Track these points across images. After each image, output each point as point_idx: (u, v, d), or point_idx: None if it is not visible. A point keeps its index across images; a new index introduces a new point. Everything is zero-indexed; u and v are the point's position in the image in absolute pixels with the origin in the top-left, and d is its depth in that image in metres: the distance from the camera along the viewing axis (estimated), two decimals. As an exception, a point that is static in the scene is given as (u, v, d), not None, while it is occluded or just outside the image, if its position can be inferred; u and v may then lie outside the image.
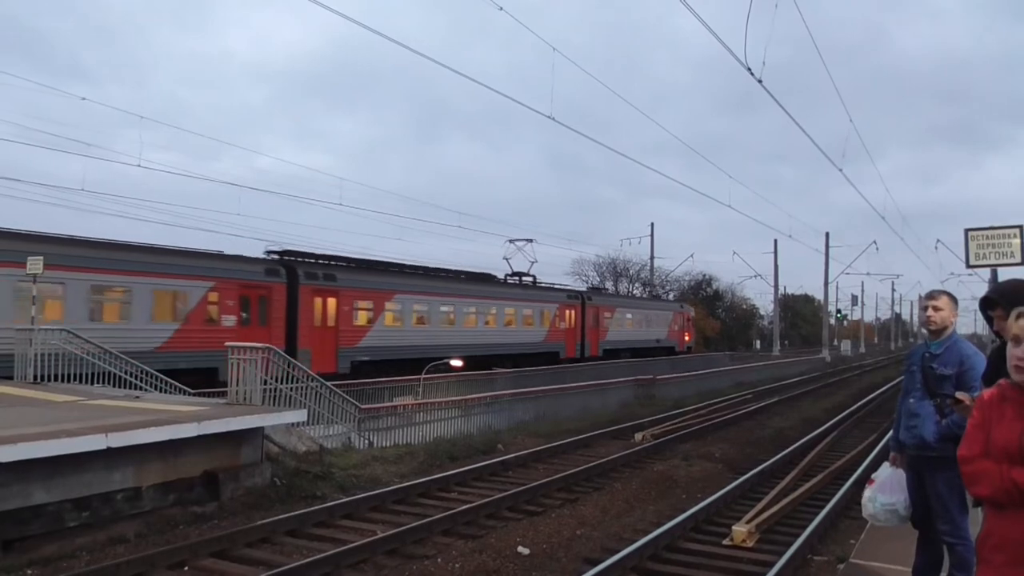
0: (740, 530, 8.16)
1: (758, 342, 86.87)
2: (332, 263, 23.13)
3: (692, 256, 58.43)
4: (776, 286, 58.36)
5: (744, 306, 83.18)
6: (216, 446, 9.06)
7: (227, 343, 11.17)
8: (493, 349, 28.28)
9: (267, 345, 11.25)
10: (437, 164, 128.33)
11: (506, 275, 33.74)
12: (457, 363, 20.60)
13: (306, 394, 12.46)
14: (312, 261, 22.38)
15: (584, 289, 39.96)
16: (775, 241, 57.00)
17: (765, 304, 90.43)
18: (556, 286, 36.57)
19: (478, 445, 13.94)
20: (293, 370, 12.32)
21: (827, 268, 57.31)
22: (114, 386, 12.45)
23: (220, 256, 19.64)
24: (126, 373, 12.73)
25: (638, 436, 15.78)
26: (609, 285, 63.87)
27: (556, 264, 71.35)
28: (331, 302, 21.74)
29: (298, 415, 10.65)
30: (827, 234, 57.52)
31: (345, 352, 21.96)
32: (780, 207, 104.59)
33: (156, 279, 17.50)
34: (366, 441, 13.59)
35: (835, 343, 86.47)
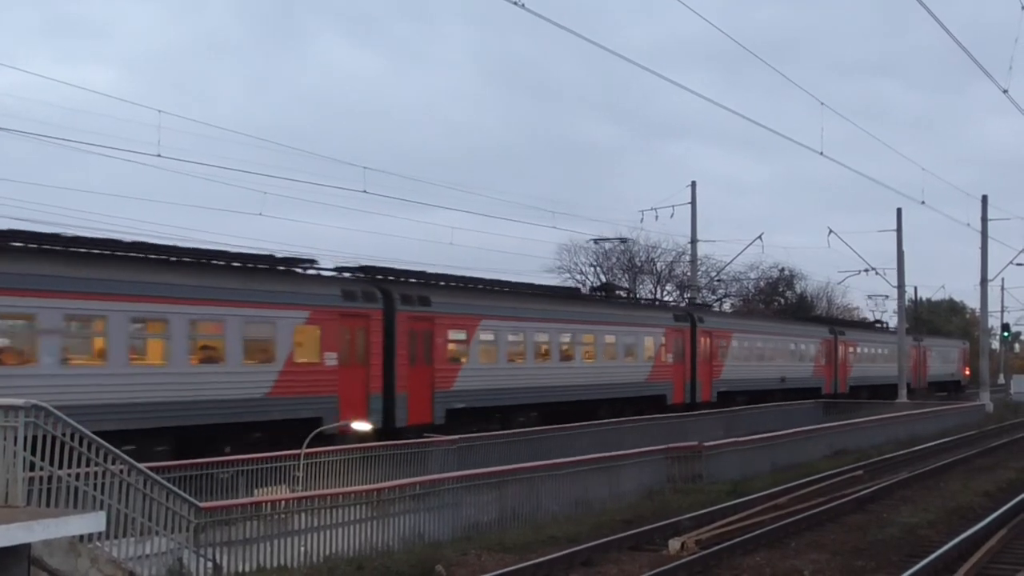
0: None
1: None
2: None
3: (761, 238, 57.28)
4: (901, 287, 59.22)
5: (849, 320, 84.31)
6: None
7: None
8: (589, 392, 35.02)
9: (33, 402, 11.17)
10: (303, 86, 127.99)
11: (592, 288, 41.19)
12: (363, 427, 20.63)
13: (104, 486, 12.37)
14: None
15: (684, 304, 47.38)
16: (898, 212, 57.68)
17: (884, 316, 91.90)
18: (652, 302, 45.33)
19: (402, 568, 13.95)
20: (81, 443, 12.23)
21: (985, 256, 58.32)
22: None
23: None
24: None
25: (674, 545, 15.96)
26: (623, 286, 64.42)
27: (524, 253, 71.44)
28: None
29: (90, 521, 10.55)
30: (984, 199, 58.51)
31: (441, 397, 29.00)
32: (904, 154, 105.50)
33: None
34: (209, 563, 13.52)
35: (1001, 380, 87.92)
